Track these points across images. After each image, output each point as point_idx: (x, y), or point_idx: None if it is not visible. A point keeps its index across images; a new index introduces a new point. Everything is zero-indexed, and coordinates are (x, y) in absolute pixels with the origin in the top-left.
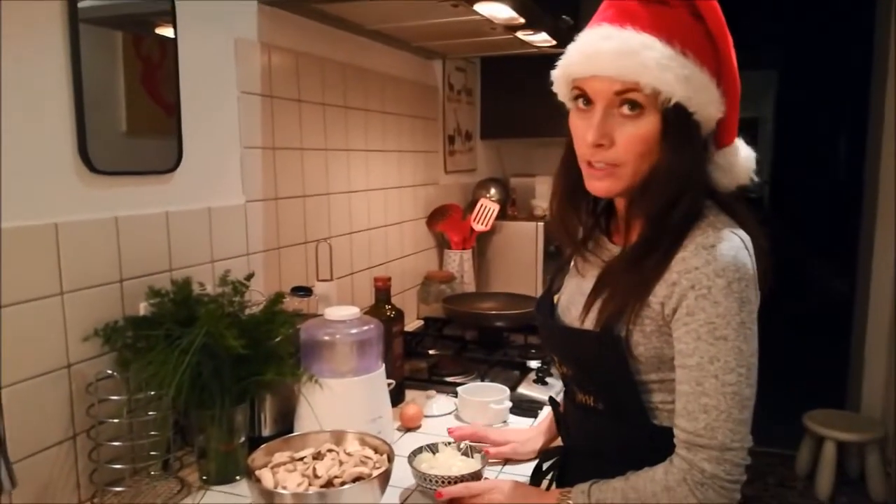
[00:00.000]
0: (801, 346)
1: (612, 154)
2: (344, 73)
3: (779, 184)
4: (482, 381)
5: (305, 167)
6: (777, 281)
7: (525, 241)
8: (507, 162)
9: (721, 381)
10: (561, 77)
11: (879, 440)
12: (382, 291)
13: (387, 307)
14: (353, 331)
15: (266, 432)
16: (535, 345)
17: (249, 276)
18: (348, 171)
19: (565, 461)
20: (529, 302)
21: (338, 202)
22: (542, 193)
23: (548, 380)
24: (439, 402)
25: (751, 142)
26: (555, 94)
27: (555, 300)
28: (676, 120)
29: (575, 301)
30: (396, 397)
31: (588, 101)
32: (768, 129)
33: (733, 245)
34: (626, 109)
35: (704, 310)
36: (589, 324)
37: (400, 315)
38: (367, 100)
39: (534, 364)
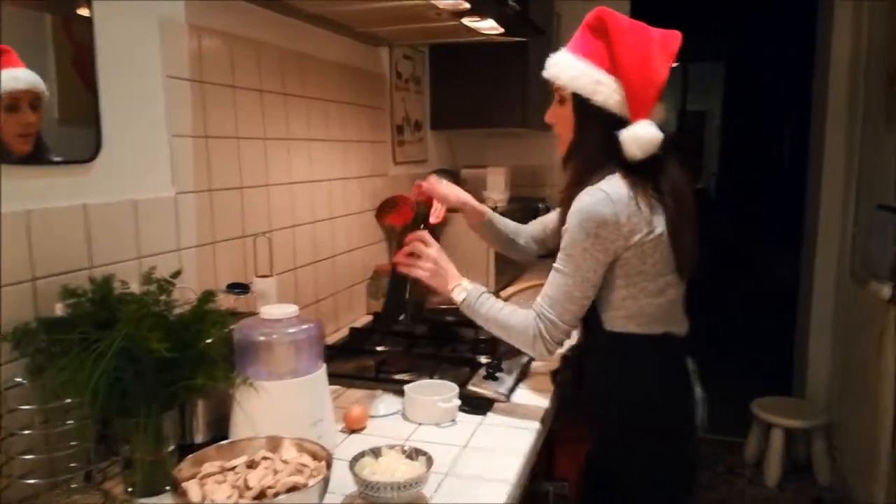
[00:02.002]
0: (748, 335)
1: (558, 129)
2: (282, 58)
3: (726, 174)
4: (431, 378)
5: (243, 157)
6: (724, 270)
7: (475, 235)
8: (459, 153)
9: (561, 280)
10: None
11: (825, 426)
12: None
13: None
14: (291, 330)
15: (199, 439)
16: (486, 339)
17: (176, 274)
18: (289, 162)
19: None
20: None
21: (279, 194)
22: (495, 184)
23: (498, 375)
24: (386, 402)
25: (698, 134)
26: (506, 85)
27: None
28: (577, 103)
29: None
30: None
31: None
32: (716, 121)
33: (594, 197)
34: (558, 100)
35: (565, 236)
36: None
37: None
38: (307, 87)
39: (484, 359)
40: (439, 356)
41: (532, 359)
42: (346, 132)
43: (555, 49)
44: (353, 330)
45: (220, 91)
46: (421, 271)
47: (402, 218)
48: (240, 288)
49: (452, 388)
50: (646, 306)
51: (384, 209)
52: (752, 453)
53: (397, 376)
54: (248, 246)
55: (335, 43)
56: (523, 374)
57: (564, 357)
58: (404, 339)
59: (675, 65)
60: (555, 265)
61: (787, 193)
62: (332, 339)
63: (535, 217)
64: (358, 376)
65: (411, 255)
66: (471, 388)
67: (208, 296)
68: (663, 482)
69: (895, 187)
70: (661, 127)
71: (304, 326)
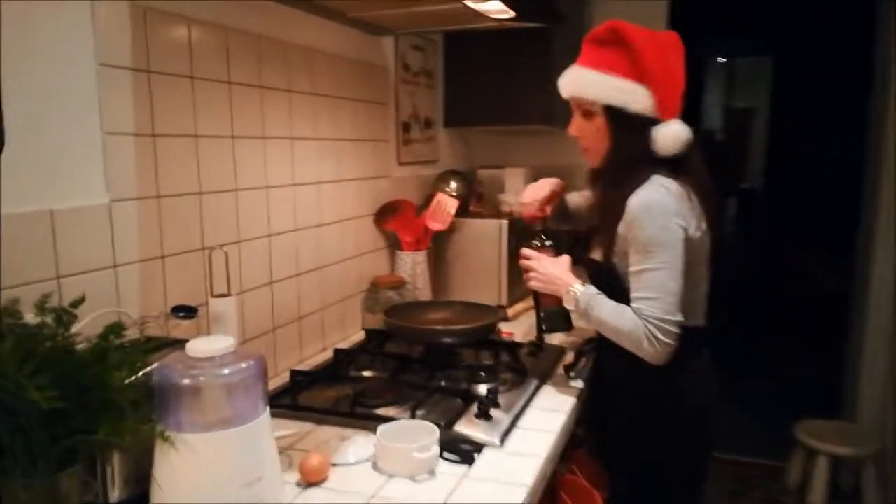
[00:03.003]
0: (793, 349)
1: (585, 142)
2: (259, 46)
3: (773, 176)
4: (415, 413)
5: (203, 158)
6: (767, 275)
7: (488, 242)
8: (477, 152)
9: (653, 278)
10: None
11: (876, 454)
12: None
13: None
14: (224, 370)
15: (115, 498)
16: (487, 366)
17: (77, 302)
18: (265, 163)
19: (599, 344)
20: (486, 313)
21: (251, 200)
22: (513, 187)
23: (493, 413)
24: (357, 445)
25: (744, 134)
26: (527, 79)
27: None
28: (612, 114)
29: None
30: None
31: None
32: (762, 119)
33: (658, 192)
34: (583, 114)
35: (639, 235)
36: (596, 253)
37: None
38: (291, 80)
39: (483, 389)
40: (430, 385)
41: (536, 393)
42: (341, 130)
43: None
44: (337, 352)
45: (175, 83)
46: (535, 284)
47: (404, 223)
48: (185, 311)
49: (432, 433)
50: (690, 297)
51: (384, 214)
52: (795, 480)
53: (379, 410)
54: (211, 260)
55: (327, 31)
56: (523, 411)
57: (579, 351)
58: (396, 362)
59: (722, 60)
60: (635, 268)
61: (840, 195)
62: (313, 362)
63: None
64: (331, 411)
65: (527, 271)
66: (458, 428)
67: (113, 329)
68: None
69: None
70: (708, 124)
71: (243, 365)
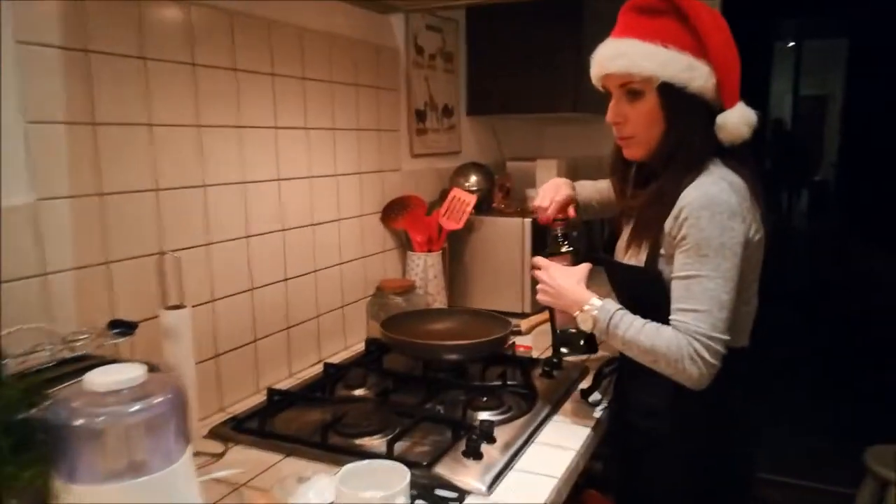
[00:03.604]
0: (864, 360)
1: (628, 129)
2: (232, 23)
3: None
4: (392, 446)
5: (160, 150)
6: (839, 277)
7: (510, 241)
8: (507, 143)
9: (704, 287)
10: (593, 79)
11: None
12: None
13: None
14: (131, 408)
15: None
16: (491, 388)
17: None
18: (242, 156)
19: (622, 366)
20: (495, 325)
21: (224, 196)
22: (545, 180)
23: (486, 450)
24: (319, 487)
25: (818, 122)
26: (558, 60)
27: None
28: (669, 94)
29: (623, 243)
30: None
31: (609, 93)
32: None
33: (719, 186)
34: (628, 96)
35: (692, 235)
36: (631, 257)
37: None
38: (276, 62)
39: (482, 417)
40: (417, 413)
41: (543, 423)
42: (340, 118)
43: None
44: (327, 367)
45: (122, 65)
46: (544, 298)
47: (414, 222)
48: (122, 327)
49: (402, 476)
50: (738, 315)
51: (392, 212)
52: None
53: (358, 440)
54: (168, 266)
55: (321, 6)
56: (524, 447)
57: (598, 373)
58: (391, 380)
59: (790, 44)
60: (682, 273)
61: None
62: (304, 377)
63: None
64: (300, 440)
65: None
66: (441, 469)
67: None
68: None
69: None
70: (775, 113)
71: (156, 399)
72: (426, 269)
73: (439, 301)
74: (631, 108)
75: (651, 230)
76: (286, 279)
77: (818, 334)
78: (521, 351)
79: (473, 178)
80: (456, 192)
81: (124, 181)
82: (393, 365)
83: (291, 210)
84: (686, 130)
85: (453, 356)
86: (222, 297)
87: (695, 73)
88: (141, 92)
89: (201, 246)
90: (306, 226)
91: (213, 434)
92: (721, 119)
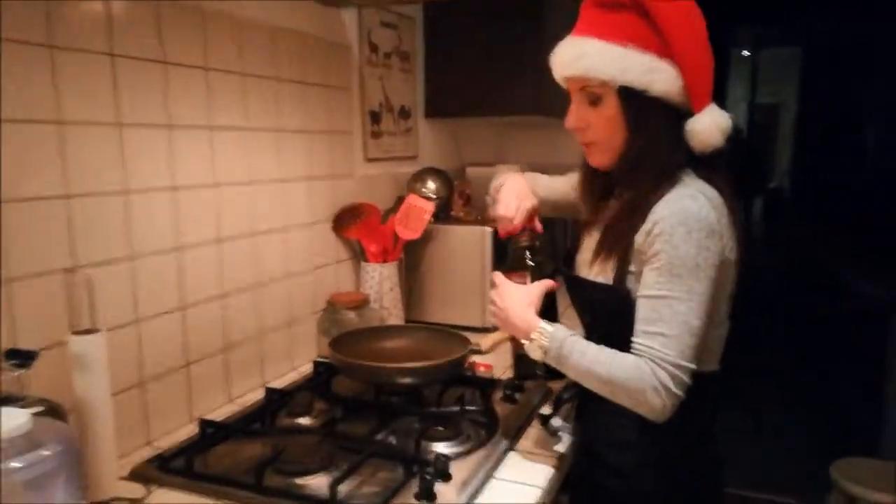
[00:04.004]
0: (824, 369)
1: (590, 135)
2: (158, 11)
3: (802, 174)
4: (335, 490)
5: (71, 151)
6: (798, 287)
7: (470, 252)
8: (467, 148)
9: (674, 310)
10: (556, 79)
11: None
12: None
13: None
14: (13, 464)
15: None
16: (448, 415)
17: None
18: (171, 157)
19: (583, 390)
20: (454, 345)
21: (150, 203)
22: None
23: (440, 490)
24: None
25: (770, 130)
26: (519, 60)
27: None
28: (629, 99)
29: (587, 257)
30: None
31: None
32: (790, 114)
33: (697, 202)
34: (588, 99)
35: (666, 252)
36: (598, 274)
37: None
38: (210, 54)
39: (438, 449)
40: (369, 446)
41: (505, 455)
42: (286, 119)
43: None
44: (269, 392)
45: (24, 52)
46: (496, 321)
47: (368, 231)
48: (19, 357)
49: None
50: (709, 339)
51: (344, 220)
52: None
53: (300, 480)
54: (72, 286)
55: None
56: (483, 485)
57: (557, 399)
58: (341, 407)
59: (746, 54)
60: (650, 293)
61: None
62: (242, 403)
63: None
64: (234, 481)
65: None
66: None
67: None
68: None
69: None
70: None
71: (43, 452)
72: (381, 281)
73: (395, 315)
74: (593, 112)
75: (620, 245)
76: (224, 295)
77: (776, 343)
78: (481, 371)
79: (431, 185)
80: (413, 199)
81: (27, 187)
82: (342, 388)
83: (229, 218)
84: (651, 137)
85: (407, 380)
86: (148, 318)
87: (657, 76)
88: (45, 83)
89: (122, 260)
90: (247, 236)
91: (135, 475)
92: (690, 124)
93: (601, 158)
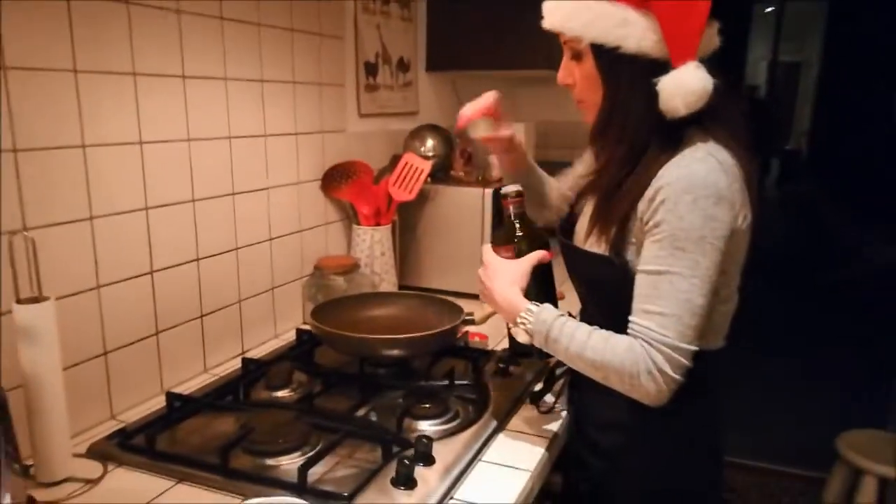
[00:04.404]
0: (837, 337)
1: (577, 92)
2: None
3: (821, 136)
4: (305, 474)
5: (17, 101)
6: (813, 251)
7: (468, 214)
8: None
9: (675, 287)
10: None
11: None
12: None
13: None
14: None
15: None
16: (436, 390)
17: None
18: (138, 109)
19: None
20: (445, 313)
21: (113, 159)
22: None
23: (420, 475)
24: None
25: (790, 90)
26: (531, 10)
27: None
28: (601, 56)
29: (585, 224)
30: None
31: None
32: (812, 73)
33: (706, 164)
34: (570, 54)
35: (669, 222)
36: (594, 244)
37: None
38: None
39: (422, 427)
40: (346, 424)
41: (493, 435)
42: (270, 69)
43: None
44: (246, 363)
45: None
46: (484, 301)
47: (360, 191)
48: None
49: None
50: (715, 315)
51: (334, 179)
52: (834, 497)
53: (270, 460)
54: (12, 250)
55: None
56: (469, 468)
57: (549, 375)
58: (321, 380)
59: (769, 9)
60: (650, 267)
61: None
62: (218, 373)
63: None
64: (197, 462)
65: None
66: (362, 502)
67: None
68: None
69: None
70: (750, 80)
71: None
72: (372, 245)
73: (387, 281)
74: (577, 68)
75: (619, 212)
76: (198, 259)
77: (788, 308)
78: (475, 342)
79: (430, 143)
80: (409, 158)
81: None
82: (326, 359)
83: (204, 176)
84: (623, 97)
85: (393, 352)
86: (110, 283)
87: (629, 30)
88: None
89: (82, 220)
90: (225, 195)
91: (93, 452)
92: (660, 85)
93: (588, 116)
